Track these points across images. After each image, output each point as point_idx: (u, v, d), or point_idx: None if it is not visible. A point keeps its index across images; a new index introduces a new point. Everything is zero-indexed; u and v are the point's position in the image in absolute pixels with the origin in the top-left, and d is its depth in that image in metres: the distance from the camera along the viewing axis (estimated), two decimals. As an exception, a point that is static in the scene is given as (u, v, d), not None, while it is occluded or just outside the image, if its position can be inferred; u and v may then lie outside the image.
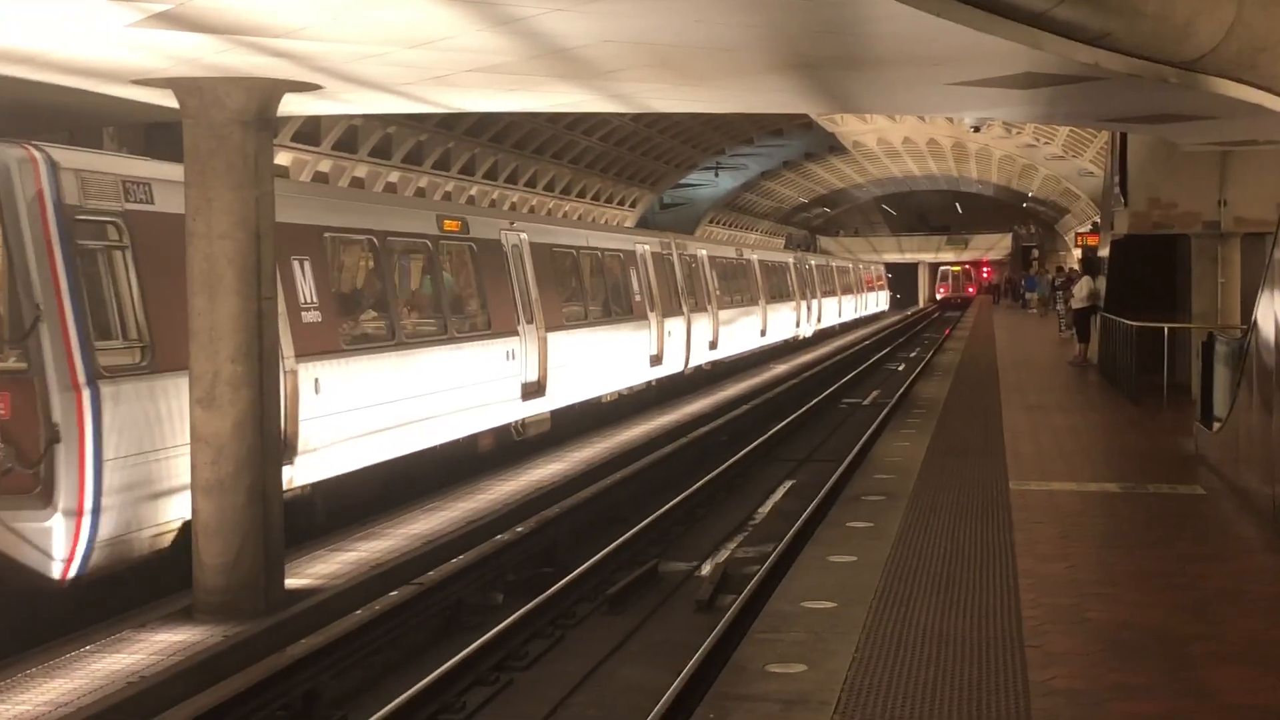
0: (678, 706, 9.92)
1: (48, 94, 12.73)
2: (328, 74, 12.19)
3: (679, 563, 16.12)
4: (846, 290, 69.79)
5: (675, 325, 31.38)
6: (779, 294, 47.20)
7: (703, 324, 34.31)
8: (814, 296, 56.06)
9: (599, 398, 26.57)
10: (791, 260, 52.95)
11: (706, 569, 15.68)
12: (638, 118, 39.40)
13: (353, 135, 28.93)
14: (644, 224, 50.77)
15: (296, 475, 14.79)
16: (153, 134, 16.66)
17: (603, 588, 14.52)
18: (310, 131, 26.97)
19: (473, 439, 20.31)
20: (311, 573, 13.69)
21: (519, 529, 16.24)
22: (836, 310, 64.68)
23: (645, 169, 48.58)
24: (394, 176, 31.43)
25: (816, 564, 11.14)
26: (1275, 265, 12.85)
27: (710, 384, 36.12)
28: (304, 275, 15.38)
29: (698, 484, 20.17)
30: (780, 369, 42.70)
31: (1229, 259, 25.47)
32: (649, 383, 30.11)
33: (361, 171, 29.97)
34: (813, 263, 58.77)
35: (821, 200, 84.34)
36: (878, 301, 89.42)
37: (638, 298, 28.94)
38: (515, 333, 21.28)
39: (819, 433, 28.50)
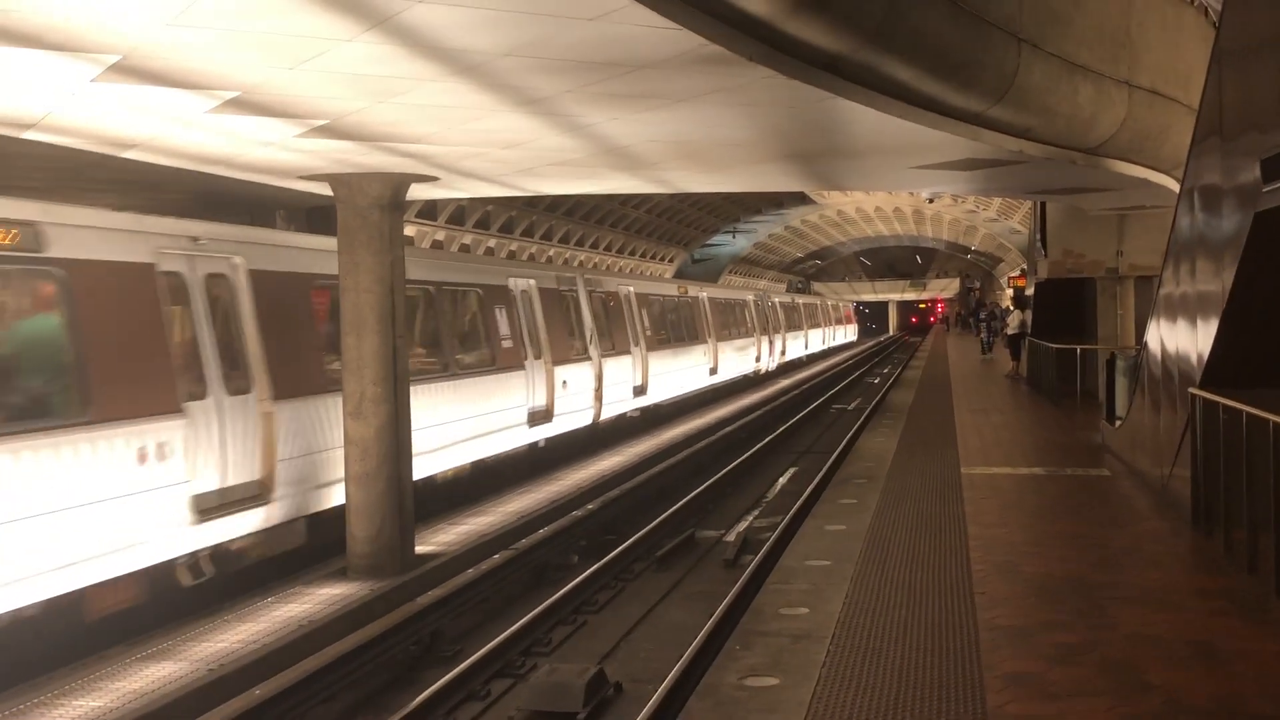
0: (711, 640, 9.95)
1: (236, 186, 12.94)
2: (443, 169, 12.31)
3: (710, 531, 16.08)
4: (814, 325, 58.50)
5: (576, 372, 20.93)
6: (735, 331, 36.63)
7: (624, 368, 24.08)
8: (777, 332, 44.73)
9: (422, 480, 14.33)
10: (752, 298, 41.46)
11: (731, 535, 15.63)
12: (674, 195, 39.43)
13: (460, 212, 29.08)
14: (680, 275, 50.55)
15: None
16: (312, 214, 16.80)
17: (653, 550, 14.50)
18: (429, 210, 27.15)
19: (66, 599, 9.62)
20: (435, 541, 13.75)
21: (589, 506, 16.26)
22: (803, 344, 53.55)
23: (680, 233, 48.57)
24: (491, 243, 31.55)
25: (815, 531, 11.11)
26: (1160, 300, 12.78)
27: (713, 402, 31.78)
28: None
29: (723, 470, 20.11)
30: (784, 383, 42.48)
31: (1125, 296, 25.32)
32: (535, 444, 19.33)
33: (467, 239, 30.10)
34: (775, 300, 46.98)
35: (814, 254, 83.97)
36: (845, 334, 77.48)
37: (508, 343, 18.19)
38: (175, 412, 10.46)
39: (815, 431, 28.34)
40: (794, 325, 50.44)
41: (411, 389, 13.59)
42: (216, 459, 11.14)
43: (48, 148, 10.32)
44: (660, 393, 27.01)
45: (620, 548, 14.05)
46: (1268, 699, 6.26)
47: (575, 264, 37.31)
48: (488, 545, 13.69)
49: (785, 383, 42.60)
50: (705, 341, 32.06)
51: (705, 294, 33.32)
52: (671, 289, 30.82)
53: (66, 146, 10.34)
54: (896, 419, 21.46)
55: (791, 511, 15.78)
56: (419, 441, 13.81)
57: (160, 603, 10.76)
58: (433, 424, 15.18)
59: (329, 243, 13.41)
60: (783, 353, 46.01)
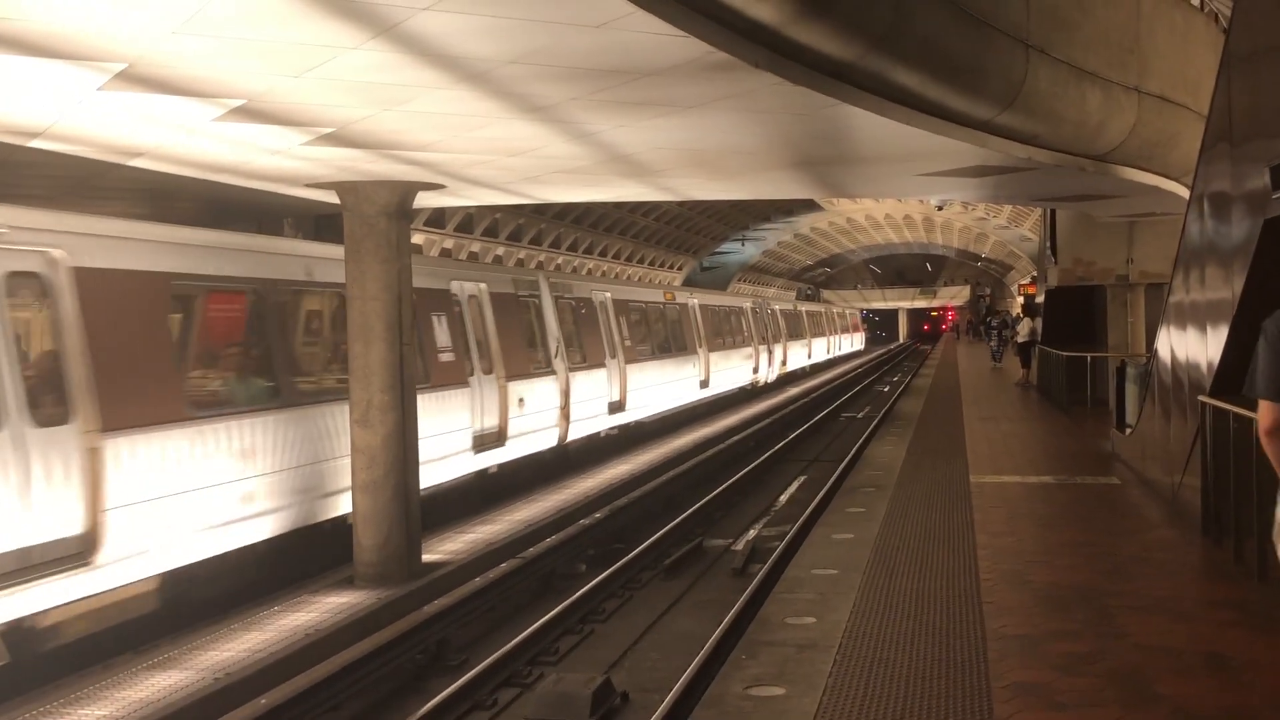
0: (719, 650, 9.90)
1: (243, 194, 12.94)
2: (450, 176, 12.32)
3: (718, 539, 16.03)
4: (818, 334, 55.65)
5: (536, 388, 18.73)
6: (730, 340, 34.23)
7: (597, 383, 21.60)
8: (777, 341, 42.15)
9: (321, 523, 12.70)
10: (749, 305, 38.72)
11: (740, 544, 15.59)
12: (682, 202, 39.43)
13: (469, 220, 29.11)
14: (690, 283, 50.48)
15: None
16: (320, 222, 16.80)
17: (661, 559, 14.47)
18: (437, 218, 27.19)
19: None
20: (442, 549, 13.74)
21: (597, 514, 16.23)
22: (806, 354, 50.50)
23: (689, 241, 48.59)
24: (500, 250, 31.58)
25: (823, 540, 11.06)
26: (1170, 308, 12.73)
27: (705, 417, 29.47)
28: None
29: (732, 479, 20.08)
30: (793, 391, 42.40)
31: (1135, 303, 25.25)
32: (484, 471, 17.01)
33: (476, 247, 30.12)
34: (776, 308, 44.16)
35: (823, 262, 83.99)
36: (852, 343, 74.40)
37: (448, 356, 15.78)
38: None
39: (824, 439, 28.28)
40: (796, 334, 47.91)
41: (313, 414, 12.44)
42: (12, 510, 8.78)
43: (55, 156, 10.34)
44: (641, 409, 24.34)
45: (628, 556, 14.03)
46: (1278, 710, 6.20)
47: (585, 271, 37.16)
48: (495, 554, 13.68)
49: (793, 391, 42.50)
50: (695, 352, 29.64)
51: (695, 300, 30.94)
52: (656, 295, 28.38)
53: (74, 155, 10.36)
54: (905, 427, 21.39)
55: (800, 520, 15.73)
56: (320, 481, 12.50)
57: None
58: (340, 455, 12.86)
59: (206, 237, 11.80)
60: (783, 363, 43.49)
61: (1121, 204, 19.74)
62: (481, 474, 17.06)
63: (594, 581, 12.79)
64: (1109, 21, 13.97)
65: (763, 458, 22.86)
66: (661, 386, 26.22)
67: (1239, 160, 9.78)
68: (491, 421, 17.09)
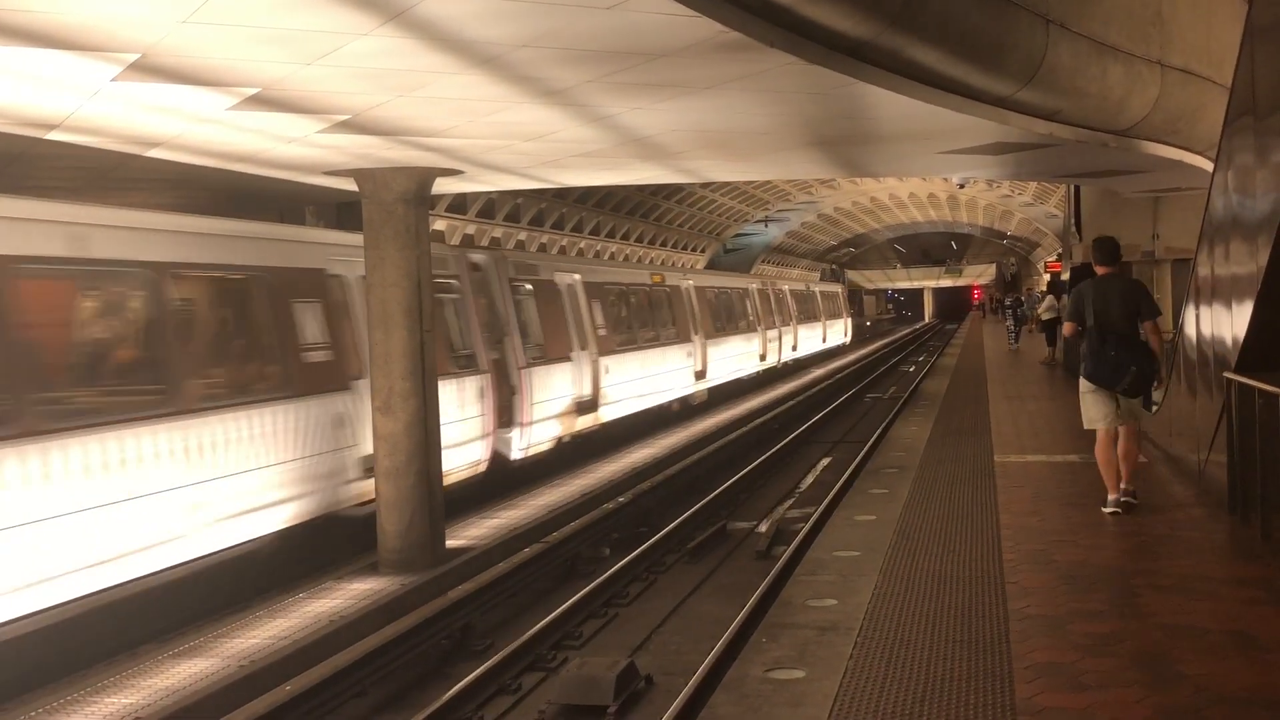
0: (743, 633, 9.88)
1: (262, 183, 12.97)
2: (468, 162, 12.30)
3: (743, 522, 16.02)
4: (738, 330, 32.81)
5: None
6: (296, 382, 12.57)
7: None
8: (585, 349, 19.79)
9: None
10: (465, 265, 16.79)
11: (763, 527, 15.57)
12: (703, 184, 39.28)
13: (490, 205, 29.09)
14: (712, 266, 50.19)
15: None
16: (341, 210, 16.82)
17: (685, 542, 14.46)
18: (459, 203, 27.17)
19: None
20: (466, 535, 13.77)
21: (621, 499, 16.26)
22: (691, 370, 27.38)
23: (711, 223, 48.41)
24: (522, 235, 31.55)
25: (845, 522, 11.00)
26: (1194, 283, 12.58)
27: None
28: None
29: (756, 461, 20.04)
30: (818, 373, 42.22)
31: (1161, 279, 25.01)
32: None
33: (498, 233, 30.10)
34: (627, 284, 24.49)
35: (847, 242, 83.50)
36: (824, 338, 49.01)
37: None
38: None
39: (849, 420, 28.21)
40: (668, 334, 25.92)
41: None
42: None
43: (74, 148, 10.37)
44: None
45: (651, 540, 14.02)
46: (1305, 688, 6.12)
47: (607, 256, 36.93)
48: (519, 539, 13.70)
49: (819, 372, 42.23)
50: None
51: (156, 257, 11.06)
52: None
53: (92, 147, 10.39)
54: (930, 407, 21.28)
55: (824, 502, 15.68)
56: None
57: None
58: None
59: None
60: (594, 399, 19.91)
61: (1146, 179, 19.54)
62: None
63: (618, 565, 12.79)
64: (1130, -6, 13.79)
65: (787, 439, 22.80)
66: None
67: (1263, 133, 9.62)
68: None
